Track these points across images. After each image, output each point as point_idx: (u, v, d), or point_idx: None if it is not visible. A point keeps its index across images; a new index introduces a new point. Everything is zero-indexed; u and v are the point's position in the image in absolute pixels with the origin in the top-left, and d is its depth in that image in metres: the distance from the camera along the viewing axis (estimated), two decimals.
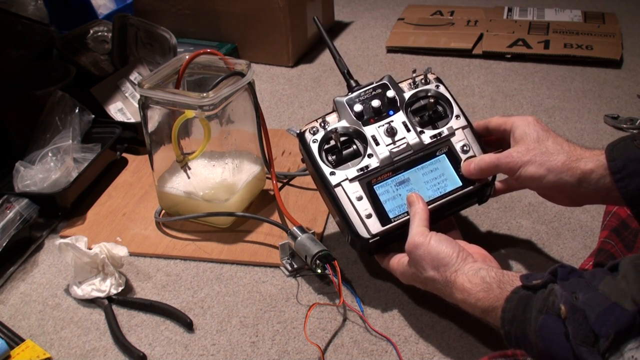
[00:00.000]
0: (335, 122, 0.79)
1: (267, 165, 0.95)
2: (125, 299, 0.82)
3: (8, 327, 0.78)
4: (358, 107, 0.79)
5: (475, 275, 0.64)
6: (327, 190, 0.77)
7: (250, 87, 0.89)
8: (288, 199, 0.99)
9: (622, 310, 0.49)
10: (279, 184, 1.02)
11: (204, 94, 0.81)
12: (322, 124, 0.79)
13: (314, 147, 0.78)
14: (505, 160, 0.72)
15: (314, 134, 0.79)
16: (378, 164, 0.77)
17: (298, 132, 0.80)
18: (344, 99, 0.80)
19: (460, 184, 0.77)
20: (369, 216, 0.75)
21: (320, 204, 0.97)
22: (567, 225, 0.92)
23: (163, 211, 0.96)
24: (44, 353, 0.74)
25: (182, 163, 0.88)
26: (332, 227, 0.93)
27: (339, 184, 0.76)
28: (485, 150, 0.79)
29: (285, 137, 1.15)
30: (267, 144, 0.94)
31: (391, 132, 0.78)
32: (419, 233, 0.70)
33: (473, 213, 0.94)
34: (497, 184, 0.81)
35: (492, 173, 0.76)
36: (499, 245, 0.88)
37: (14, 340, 0.76)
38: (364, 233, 0.75)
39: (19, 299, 0.84)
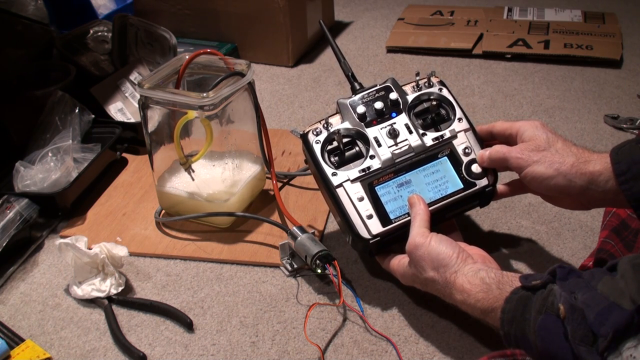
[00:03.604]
0: (338, 123, 0.80)
1: (267, 165, 0.95)
2: (125, 299, 0.82)
3: (8, 327, 0.78)
4: (361, 109, 0.79)
5: (474, 276, 0.64)
6: (328, 191, 0.77)
7: (250, 87, 0.89)
8: (288, 199, 0.99)
9: (621, 309, 0.49)
10: (279, 184, 1.02)
11: (204, 94, 0.81)
12: (325, 126, 0.79)
13: (317, 148, 0.78)
14: (516, 155, 0.72)
15: (317, 135, 0.79)
16: (380, 165, 0.77)
17: (301, 133, 0.80)
18: (347, 101, 0.80)
19: (462, 186, 0.77)
20: (369, 217, 0.75)
21: (320, 203, 0.97)
22: (567, 225, 0.92)
23: (163, 211, 0.96)
24: (44, 353, 0.74)
25: (186, 165, 0.87)
26: (332, 227, 0.93)
27: (340, 185, 0.77)
28: None
29: (285, 137, 1.15)
30: (267, 144, 0.94)
31: (393, 134, 0.78)
32: (419, 234, 0.70)
33: (473, 213, 0.94)
34: (500, 187, 0.81)
35: (501, 165, 0.76)
36: (499, 246, 0.88)
37: (14, 340, 0.76)
38: (364, 233, 0.75)
39: (19, 299, 0.84)
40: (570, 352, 0.53)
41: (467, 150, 0.78)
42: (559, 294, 0.55)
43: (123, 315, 0.80)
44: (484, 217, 0.94)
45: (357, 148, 0.79)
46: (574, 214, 0.93)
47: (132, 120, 1.17)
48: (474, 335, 0.74)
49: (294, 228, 0.84)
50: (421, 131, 0.79)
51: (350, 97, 0.81)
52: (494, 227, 0.92)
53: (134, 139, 1.13)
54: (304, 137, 0.80)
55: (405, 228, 0.74)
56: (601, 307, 0.51)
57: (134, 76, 1.22)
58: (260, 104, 0.91)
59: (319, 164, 0.78)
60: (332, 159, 0.79)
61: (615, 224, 0.80)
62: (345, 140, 0.79)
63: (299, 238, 0.82)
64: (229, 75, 0.87)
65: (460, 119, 0.80)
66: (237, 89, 0.86)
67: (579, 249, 0.87)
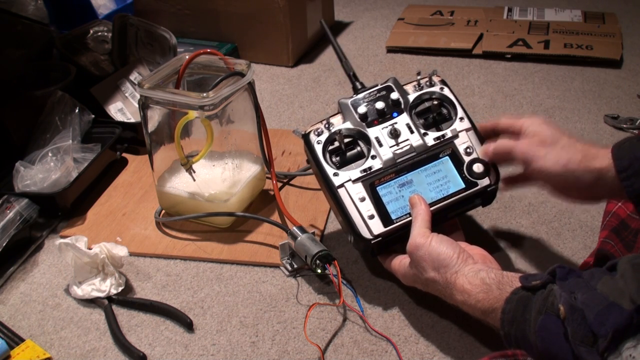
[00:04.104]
0: (339, 123, 0.80)
1: (267, 165, 0.95)
2: (125, 299, 0.82)
3: (8, 327, 0.78)
4: (362, 109, 0.80)
5: (475, 276, 0.64)
6: (330, 191, 0.77)
7: (250, 87, 0.89)
8: (288, 199, 0.99)
9: (620, 309, 0.49)
10: (279, 184, 1.02)
11: (204, 94, 0.81)
12: (327, 126, 0.80)
13: (318, 149, 0.79)
14: (522, 149, 0.72)
15: (319, 135, 0.79)
16: (381, 166, 0.77)
17: (303, 133, 0.80)
18: (349, 101, 0.81)
19: (463, 185, 0.77)
20: (371, 217, 0.75)
21: (320, 204, 0.97)
22: (567, 225, 0.92)
23: (163, 211, 0.96)
24: (44, 353, 0.74)
25: (187, 166, 0.87)
26: (332, 227, 0.93)
27: (342, 185, 0.77)
28: None
29: (285, 137, 1.15)
30: (267, 144, 0.94)
31: (395, 134, 0.78)
32: (420, 234, 0.70)
33: (473, 213, 0.94)
34: (504, 182, 0.80)
35: (505, 159, 0.75)
36: (499, 246, 0.88)
37: (14, 340, 0.76)
38: (366, 234, 0.75)
39: (19, 299, 0.84)
40: (570, 353, 0.53)
41: (468, 150, 0.78)
42: (559, 294, 0.55)
43: (123, 315, 0.80)
44: (485, 217, 0.94)
45: (358, 148, 0.79)
46: (574, 214, 0.93)
47: (132, 120, 1.17)
48: (474, 335, 0.74)
49: (294, 228, 0.84)
50: (422, 131, 0.79)
51: (352, 97, 0.81)
52: (494, 227, 0.92)
53: (134, 139, 1.13)
54: (305, 137, 0.80)
55: (407, 228, 0.74)
56: (601, 307, 0.51)
57: (134, 76, 1.22)
58: (260, 104, 0.91)
59: (320, 164, 0.78)
60: (334, 159, 0.79)
61: (615, 224, 0.80)
62: (346, 140, 0.79)
63: (299, 238, 0.82)
64: (229, 75, 0.87)
65: (461, 119, 0.80)
66: (237, 89, 0.86)
67: (579, 249, 0.87)
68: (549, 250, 0.87)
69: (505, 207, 0.96)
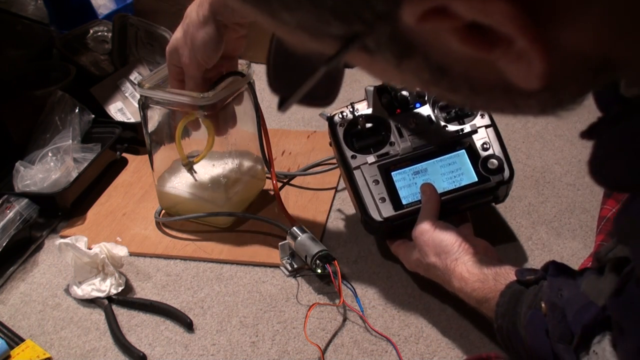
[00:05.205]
0: (364, 109, 0.83)
1: (267, 165, 0.95)
2: (125, 299, 0.82)
3: (8, 327, 0.78)
4: (386, 97, 0.82)
5: (473, 265, 0.66)
6: (347, 172, 0.81)
7: (251, 87, 0.89)
8: (288, 199, 0.99)
9: (595, 307, 0.50)
10: (279, 184, 1.02)
11: (204, 94, 0.81)
12: (351, 110, 0.83)
13: (340, 131, 0.82)
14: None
15: (342, 118, 0.82)
16: (398, 152, 0.80)
17: (328, 115, 0.84)
18: (374, 89, 0.83)
19: (476, 179, 0.79)
20: (382, 200, 0.78)
21: (320, 204, 0.97)
22: (567, 225, 0.92)
23: (163, 211, 0.96)
24: (44, 353, 0.74)
25: (188, 166, 0.87)
26: (332, 227, 0.93)
27: (358, 167, 0.80)
28: (506, 151, 0.80)
29: (285, 137, 1.15)
30: (267, 144, 0.93)
31: (415, 123, 0.81)
32: (427, 220, 0.72)
33: (473, 213, 0.94)
34: None
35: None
36: (499, 245, 0.88)
37: (14, 340, 0.76)
38: (376, 215, 0.78)
39: (19, 299, 0.84)
40: (550, 349, 0.53)
41: (485, 146, 0.80)
42: (544, 290, 0.56)
43: (123, 315, 0.80)
44: (484, 217, 0.94)
45: (378, 134, 0.82)
46: (574, 213, 0.93)
47: (132, 120, 1.17)
48: (474, 335, 0.74)
49: (294, 228, 0.84)
50: (443, 123, 0.82)
51: (378, 85, 0.84)
52: (494, 227, 0.92)
53: (134, 139, 1.13)
54: (329, 119, 0.83)
55: (416, 214, 0.76)
56: (579, 305, 0.52)
57: (134, 76, 1.22)
58: (260, 104, 0.91)
59: (340, 145, 0.81)
60: (354, 143, 0.82)
61: (610, 228, 0.80)
62: (368, 125, 0.82)
63: (299, 238, 0.82)
64: (229, 75, 0.87)
65: (482, 115, 0.82)
66: (237, 89, 0.86)
67: (579, 249, 0.87)
68: (549, 250, 0.87)
69: (505, 207, 0.96)
